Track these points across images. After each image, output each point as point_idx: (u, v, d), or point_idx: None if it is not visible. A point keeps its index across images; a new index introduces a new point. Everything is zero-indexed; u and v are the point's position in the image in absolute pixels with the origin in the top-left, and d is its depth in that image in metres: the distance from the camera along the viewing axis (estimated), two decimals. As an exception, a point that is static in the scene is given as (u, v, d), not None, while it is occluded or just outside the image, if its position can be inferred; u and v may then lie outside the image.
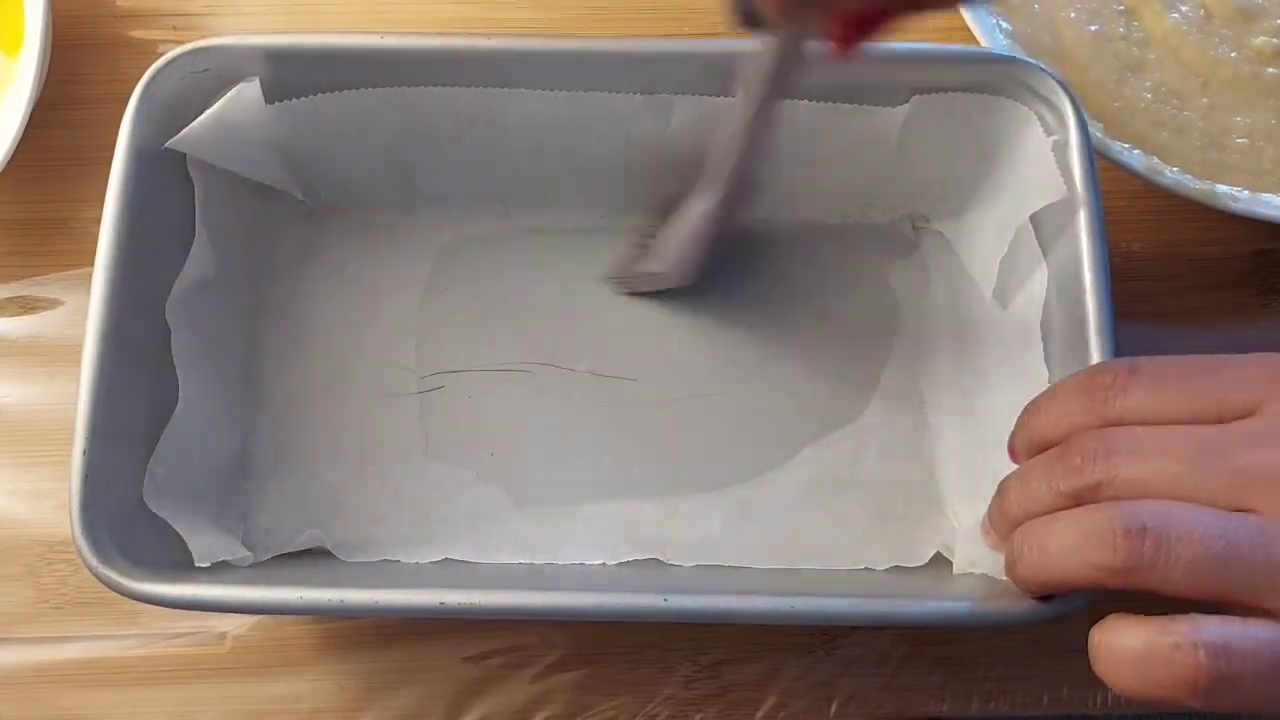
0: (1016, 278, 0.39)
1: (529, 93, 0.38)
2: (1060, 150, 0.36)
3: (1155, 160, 0.41)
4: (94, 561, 0.33)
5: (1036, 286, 0.37)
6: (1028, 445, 0.32)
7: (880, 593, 0.36)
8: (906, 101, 0.38)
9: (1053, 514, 0.29)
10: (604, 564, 0.38)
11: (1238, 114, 0.42)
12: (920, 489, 0.40)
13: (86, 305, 0.35)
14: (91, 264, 0.35)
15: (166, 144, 0.37)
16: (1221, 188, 0.41)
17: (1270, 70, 0.42)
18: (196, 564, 0.35)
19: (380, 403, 0.41)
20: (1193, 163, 0.42)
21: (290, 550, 0.38)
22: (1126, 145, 0.41)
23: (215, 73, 0.37)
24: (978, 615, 0.33)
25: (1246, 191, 0.41)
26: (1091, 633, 0.28)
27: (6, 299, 0.44)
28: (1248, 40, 0.43)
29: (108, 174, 0.36)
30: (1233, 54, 0.42)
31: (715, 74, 0.38)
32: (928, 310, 0.43)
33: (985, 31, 0.42)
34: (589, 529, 0.40)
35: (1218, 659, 0.25)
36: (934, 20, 0.47)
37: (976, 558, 0.36)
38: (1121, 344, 0.34)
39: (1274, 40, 0.42)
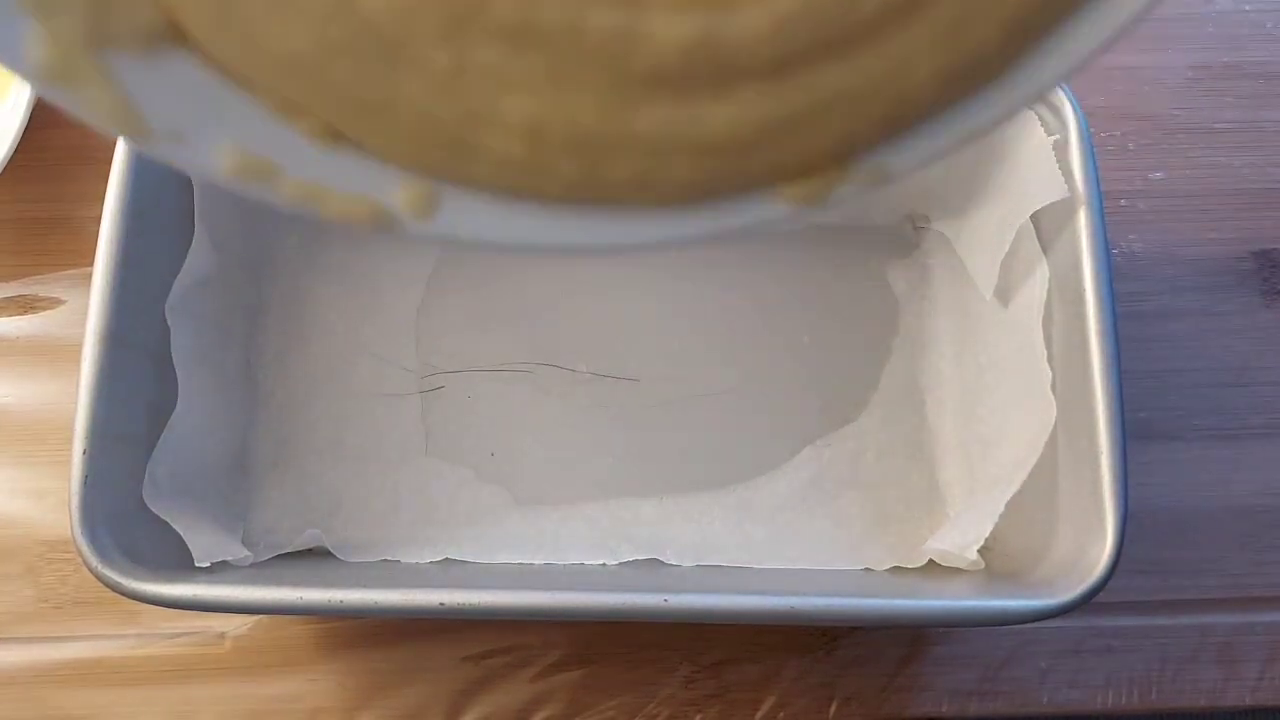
0: (1017, 277, 0.39)
1: (529, 92, 0.38)
2: (1060, 149, 0.36)
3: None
4: (94, 561, 0.33)
5: (1037, 286, 0.37)
6: None
7: (880, 593, 0.36)
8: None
9: None
10: (604, 564, 0.38)
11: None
12: (920, 489, 0.40)
13: (87, 304, 0.35)
14: (92, 263, 0.35)
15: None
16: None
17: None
18: (196, 564, 0.35)
19: (380, 402, 0.41)
20: None
21: (290, 550, 0.38)
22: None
23: (215, 72, 0.37)
24: (977, 614, 0.33)
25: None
26: None
27: (7, 299, 0.44)
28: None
29: (108, 173, 0.36)
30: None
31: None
32: (928, 310, 0.43)
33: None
34: (589, 529, 0.40)
35: None
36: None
37: (952, 547, 0.36)
38: (1123, 344, 0.34)
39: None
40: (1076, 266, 0.35)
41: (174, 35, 0.15)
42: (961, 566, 0.37)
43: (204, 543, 0.35)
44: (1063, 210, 0.36)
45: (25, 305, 0.44)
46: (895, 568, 0.38)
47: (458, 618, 0.35)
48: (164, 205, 0.37)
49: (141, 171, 0.36)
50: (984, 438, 0.39)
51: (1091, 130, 0.36)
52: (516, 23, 0.14)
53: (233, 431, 0.40)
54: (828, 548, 0.39)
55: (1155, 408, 0.43)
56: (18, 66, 0.15)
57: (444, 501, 0.40)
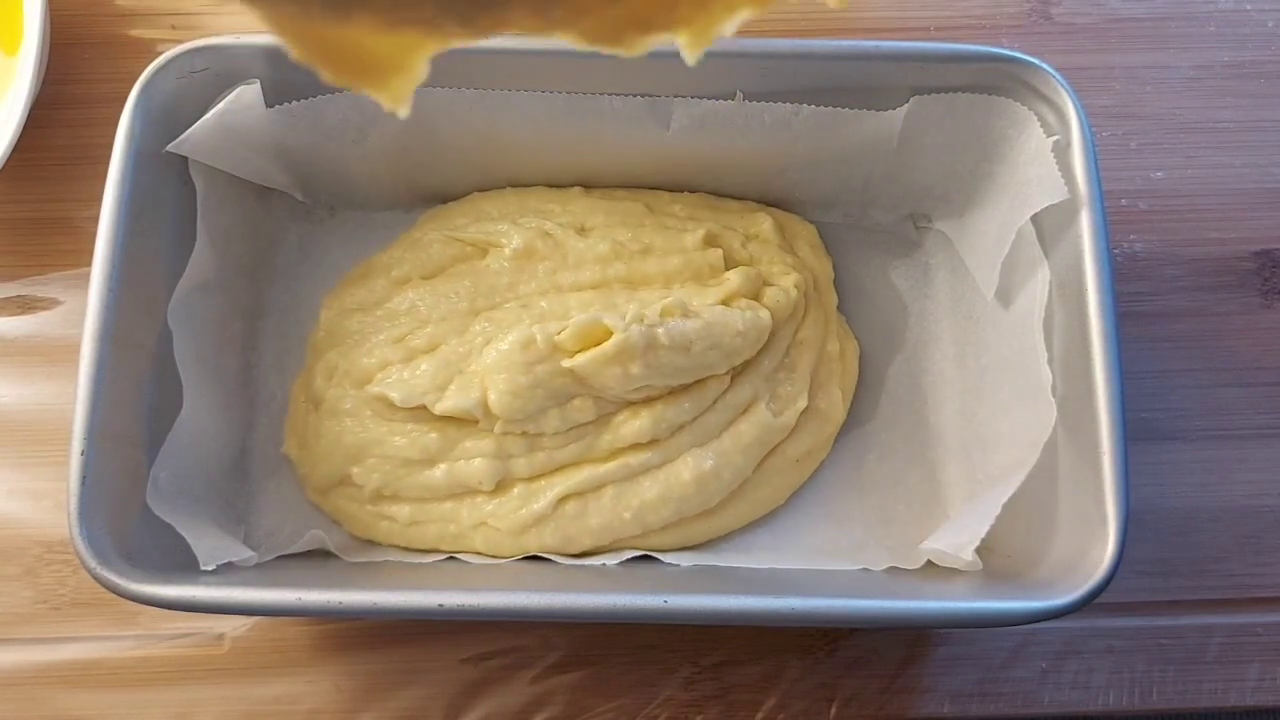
0: (1018, 278, 0.39)
1: (529, 95, 0.38)
2: (1061, 150, 0.36)
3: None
4: (92, 563, 0.33)
5: (1038, 287, 0.37)
6: None
7: (881, 594, 0.36)
8: (907, 101, 0.38)
9: None
10: (603, 564, 0.38)
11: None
12: (920, 490, 0.40)
13: (85, 305, 0.35)
14: (89, 264, 0.35)
15: (168, 148, 0.37)
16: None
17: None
18: (203, 567, 0.34)
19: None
20: None
21: (293, 552, 0.38)
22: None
23: (214, 72, 0.37)
24: (980, 615, 0.33)
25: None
26: None
27: (5, 299, 0.44)
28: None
29: (105, 174, 0.36)
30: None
31: (714, 77, 0.37)
32: (929, 310, 0.43)
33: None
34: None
35: None
36: (934, 19, 0.47)
37: (949, 547, 0.36)
38: (1124, 344, 0.34)
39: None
40: (1078, 267, 0.35)
41: None
42: (959, 567, 0.36)
43: (209, 545, 0.35)
44: (1064, 211, 0.36)
45: (23, 305, 0.44)
46: (893, 568, 0.38)
47: (457, 619, 0.35)
48: (161, 206, 0.37)
49: (139, 171, 0.36)
50: (984, 438, 0.39)
51: (1093, 130, 0.36)
52: None
53: (233, 434, 0.40)
54: (828, 548, 0.39)
55: (1156, 408, 0.42)
56: None
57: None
